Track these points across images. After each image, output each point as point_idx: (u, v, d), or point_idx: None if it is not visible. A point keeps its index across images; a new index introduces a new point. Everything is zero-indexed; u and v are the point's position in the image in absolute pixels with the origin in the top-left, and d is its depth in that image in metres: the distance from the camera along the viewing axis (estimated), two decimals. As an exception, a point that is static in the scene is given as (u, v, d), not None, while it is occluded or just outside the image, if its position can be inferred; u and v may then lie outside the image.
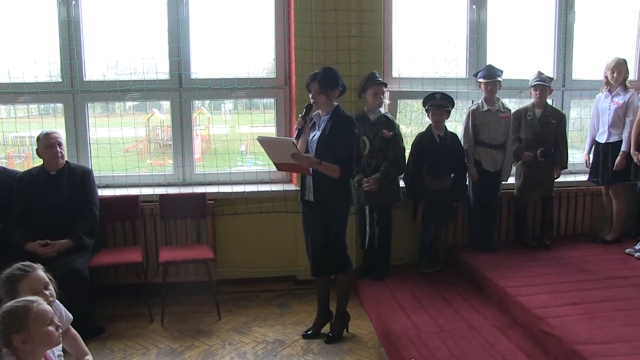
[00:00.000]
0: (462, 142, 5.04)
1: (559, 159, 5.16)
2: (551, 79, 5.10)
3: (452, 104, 4.86)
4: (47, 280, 2.65)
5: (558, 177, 5.25)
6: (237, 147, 5.33)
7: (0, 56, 4.87)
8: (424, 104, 4.87)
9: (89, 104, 5.02)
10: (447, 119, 4.88)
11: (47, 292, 2.61)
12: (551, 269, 4.64)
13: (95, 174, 4.73)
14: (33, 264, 2.66)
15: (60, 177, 4.31)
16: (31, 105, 5.10)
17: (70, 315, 2.85)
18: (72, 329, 2.87)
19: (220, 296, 4.70)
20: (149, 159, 7.19)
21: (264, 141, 3.75)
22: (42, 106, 5.22)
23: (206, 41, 5.05)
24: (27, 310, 2.20)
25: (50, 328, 2.24)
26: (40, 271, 2.65)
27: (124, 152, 5.21)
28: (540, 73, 5.03)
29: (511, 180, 5.26)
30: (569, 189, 5.56)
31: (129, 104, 5.41)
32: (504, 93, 5.25)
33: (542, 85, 4.99)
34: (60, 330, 2.32)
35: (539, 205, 5.36)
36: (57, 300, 2.74)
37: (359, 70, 4.87)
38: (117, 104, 5.41)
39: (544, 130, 5.07)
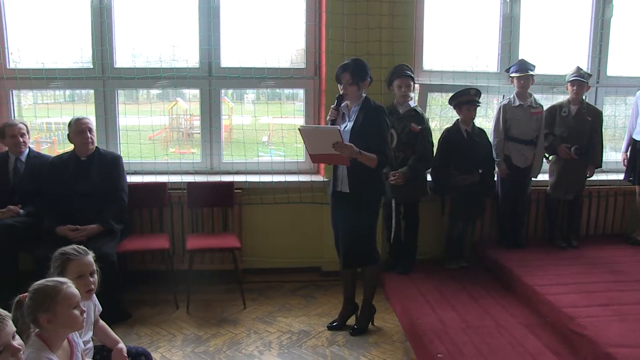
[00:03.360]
0: (492, 137, 4.98)
1: (593, 157, 5.05)
2: (589, 75, 5.00)
3: (479, 98, 4.81)
4: (95, 268, 2.71)
5: (591, 175, 5.15)
6: (259, 138, 5.32)
7: (34, 42, 4.91)
8: (454, 100, 4.79)
9: (118, 91, 5.06)
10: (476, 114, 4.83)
11: (91, 279, 2.67)
12: (581, 268, 4.56)
13: (126, 160, 4.76)
14: (88, 249, 2.73)
15: (91, 162, 4.35)
16: (62, 91, 5.15)
17: (100, 307, 2.88)
18: (101, 320, 2.90)
19: (245, 285, 4.71)
20: (171, 147, 7.22)
21: (306, 130, 3.74)
22: (74, 92, 5.25)
23: (236, 30, 5.05)
24: (57, 290, 2.22)
25: (75, 312, 2.26)
26: (91, 258, 2.72)
27: (147, 140, 5.23)
28: (578, 68, 4.93)
29: (541, 177, 5.18)
30: (600, 188, 5.46)
31: (153, 92, 5.43)
32: (536, 89, 5.15)
33: (580, 81, 4.88)
34: (84, 316, 2.33)
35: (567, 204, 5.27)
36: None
37: (389, 62, 4.83)
38: (141, 92, 5.42)
39: (579, 127, 4.97)
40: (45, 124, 6.65)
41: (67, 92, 5.22)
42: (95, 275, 2.69)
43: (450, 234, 5.01)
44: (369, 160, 3.65)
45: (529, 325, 3.81)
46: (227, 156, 5.23)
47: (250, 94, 6.04)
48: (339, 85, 3.78)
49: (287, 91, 5.29)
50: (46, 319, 2.19)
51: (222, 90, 5.17)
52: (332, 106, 3.76)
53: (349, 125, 3.77)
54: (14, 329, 2.00)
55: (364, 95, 3.81)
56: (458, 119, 4.84)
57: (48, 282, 2.25)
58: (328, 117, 3.74)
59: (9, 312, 2.08)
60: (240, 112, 5.75)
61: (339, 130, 3.57)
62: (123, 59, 5.00)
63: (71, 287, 2.28)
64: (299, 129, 3.71)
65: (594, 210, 5.49)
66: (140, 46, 5.01)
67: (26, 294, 2.22)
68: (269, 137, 6.84)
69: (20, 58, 4.99)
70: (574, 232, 5.23)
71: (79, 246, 2.70)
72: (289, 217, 5.08)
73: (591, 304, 3.80)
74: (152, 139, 5.62)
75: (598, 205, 5.50)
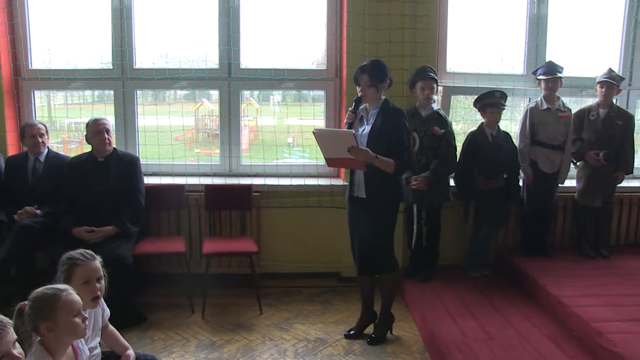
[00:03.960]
0: (517, 141, 4.83)
1: (623, 163, 4.86)
2: (622, 78, 4.81)
3: (505, 101, 4.67)
4: (102, 274, 2.66)
5: (621, 182, 4.95)
6: (285, 139, 5.24)
7: (54, 42, 4.93)
8: (478, 102, 4.67)
9: (140, 92, 5.05)
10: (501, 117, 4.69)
11: (97, 285, 2.61)
12: (610, 279, 4.38)
13: (144, 161, 4.75)
14: (95, 254, 2.68)
15: (108, 163, 4.33)
16: (85, 91, 5.16)
17: (108, 311, 2.83)
18: (110, 325, 2.85)
19: (262, 290, 4.64)
20: (197, 147, 7.22)
21: (320, 133, 3.63)
22: (96, 93, 5.25)
23: (256, 30, 4.99)
24: (56, 298, 2.17)
25: (77, 319, 2.20)
26: (99, 263, 2.66)
27: (173, 141, 5.19)
28: (610, 70, 4.75)
29: (568, 183, 5.01)
30: (631, 195, 5.25)
31: (180, 93, 5.41)
32: (564, 92, 4.99)
33: (610, 83, 4.70)
34: (87, 323, 2.27)
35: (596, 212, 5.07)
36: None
37: (411, 64, 4.72)
38: (168, 92, 5.40)
39: (608, 131, 4.79)
40: (74, 123, 6.71)
41: (96, 92, 5.21)
42: (103, 281, 2.64)
43: (473, 240, 4.87)
44: (386, 165, 3.54)
45: (554, 338, 3.66)
46: (249, 158, 5.18)
47: (276, 95, 5.98)
48: (357, 87, 3.68)
49: (313, 93, 5.20)
50: (46, 327, 2.13)
51: (248, 92, 5.11)
52: (350, 109, 3.66)
53: (367, 128, 3.66)
54: (15, 337, 1.95)
55: (383, 97, 3.70)
56: (483, 122, 4.70)
57: (47, 290, 2.19)
58: (345, 120, 3.64)
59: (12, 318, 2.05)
60: (266, 113, 5.69)
61: (354, 133, 3.47)
62: (143, 59, 4.98)
63: (72, 294, 2.22)
64: (313, 132, 3.61)
65: (625, 218, 5.29)
66: (159, 47, 4.98)
67: (27, 301, 2.17)
68: (294, 139, 6.79)
69: (50, 59, 5.01)
70: (603, 240, 5.04)
71: (86, 251, 2.65)
72: (308, 221, 4.99)
73: (622, 318, 3.62)
74: (178, 140, 5.60)
75: (629, 213, 5.29)
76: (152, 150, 5.00)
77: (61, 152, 4.95)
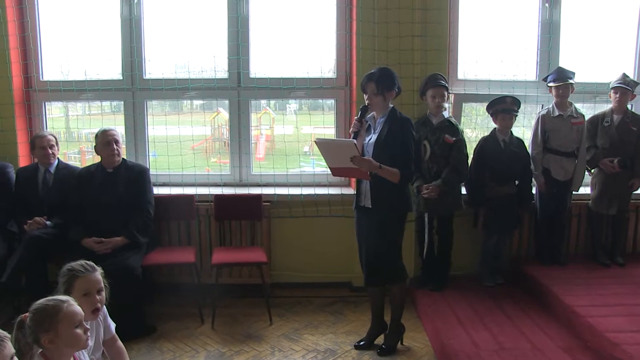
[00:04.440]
0: (530, 149, 4.76)
1: (638, 170, 4.76)
2: (636, 83, 4.72)
3: (519, 107, 4.60)
4: (103, 285, 2.67)
5: (636, 189, 4.85)
6: (301, 148, 5.23)
7: (65, 53, 4.96)
8: (490, 108, 4.62)
9: (156, 102, 5.06)
10: (513, 123, 4.62)
11: (98, 297, 2.61)
12: (626, 288, 4.27)
13: (155, 172, 4.75)
14: (96, 265, 2.69)
15: (117, 174, 4.33)
16: (103, 102, 5.19)
17: (113, 327, 2.82)
18: (119, 342, 2.85)
19: (272, 300, 4.61)
20: (213, 157, 7.23)
21: (322, 143, 3.60)
22: (114, 103, 5.26)
23: (266, 40, 4.99)
24: (57, 309, 2.16)
25: (78, 330, 2.19)
26: (99, 275, 2.67)
27: (189, 150, 5.20)
28: (625, 75, 4.66)
29: (582, 190, 4.92)
30: (647, 202, 5.14)
31: (196, 102, 5.42)
32: (577, 97, 4.91)
33: (624, 88, 4.62)
34: (88, 334, 2.26)
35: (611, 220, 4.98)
36: (105, 310, 2.76)
37: (422, 72, 4.68)
38: (185, 102, 5.42)
39: (622, 137, 4.70)
40: (92, 134, 6.77)
41: (114, 103, 5.22)
42: (103, 293, 2.63)
43: (484, 248, 4.81)
44: (391, 175, 3.50)
45: (568, 349, 3.57)
46: (259, 168, 5.18)
47: (292, 104, 5.97)
48: (364, 95, 3.65)
49: (329, 101, 5.17)
50: (47, 339, 2.12)
51: (264, 101, 5.10)
52: (355, 118, 3.62)
53: (373, 137, 3.62)
54: (13, 350, 1.94)
55: (390, 106, 3.66)
56: (495, 128, 4.65)
57: (49, 302, 2.19)
58: (351, 129, 3.61)
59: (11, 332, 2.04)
60: (282, 122, 5.67)
61: (355, 143, 3.44)
62: (153, 70, 5.00)
63: (73, 305, 2.21)
64: (314, 141, 3.59)
65: (641, 225, 5.18)
66: (169, 57, 4.99)
67: (27, 313, 2.16)
68: (311, 148, 6.77)
69: (61, 71, 5.06)
70: (618, 248, 4.94)
71: (87, 262, 2.65)
72: (318, 230, 4.96)
73: (638, 329, 3.53)
74: (195, 149, 5.61)
75: (645, 221, 5.18)
76: (170, 161, 5.00)
77: (78, 163, 4.97)
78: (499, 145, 4.61)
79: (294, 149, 5.12)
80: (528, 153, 4.73)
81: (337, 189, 4.99)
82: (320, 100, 5.32)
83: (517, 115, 4.61)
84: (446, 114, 4.54)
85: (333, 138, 4.83)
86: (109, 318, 2.81)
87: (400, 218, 3.70)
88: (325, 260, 5.00)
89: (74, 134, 6.12)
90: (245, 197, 4.81)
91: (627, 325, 3.58)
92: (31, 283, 4.19)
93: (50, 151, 4.44)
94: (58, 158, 4.56)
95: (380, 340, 3.98)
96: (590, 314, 3.75)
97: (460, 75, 5.07)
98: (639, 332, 3.48)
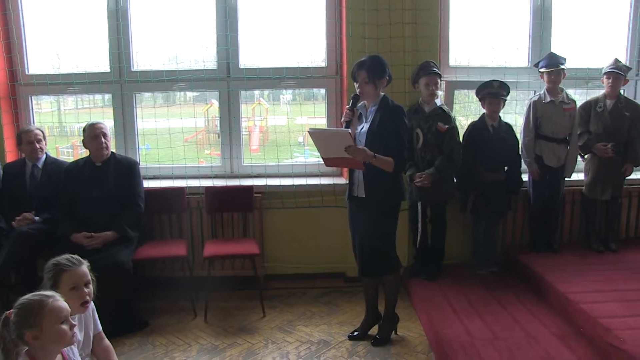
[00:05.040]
0: (522, 136, 4.74)
1: (632, 155, 4.74)
2: (629, 68, 4.70)
3: (508, 93, 4.57)
4: (90, 279, 2.64)
5: (629, 175, 4.83)
6: (295, 139, 5.18)
7: (51, 47, 4.89)
8: (478, 92, 4.60)
9: (147, 95, 5.01)
10: (502, 108, 4.60)
11: (85, 290, 2.58)
12: (619, 274, 4.27)
13: (147, 164, 4.70)
14: (82, 259, 2.65)
15: (106, 168, 4.28)
16: (95, 95, 5.12)
17: (100, 326, 2.80)
18: (106, 340, 2.82)
19: (266, 292, 4.59)
20: (207, 149, 7.18)
21: (316, 133, 3.54)
22: (106, 97, 5.19)
23: (255, 30, 4.92)
24: (42, 305, 2.12)
25: (64, 326, 2.15)
26: (86, 268, 2.64)
27: (180, 143, 5.15)
28: (616, 60, 4.63)
29: (575, 176, 4.90)
30: (640, 187, 5.13)
31: (189, 94, 5.36)
32: (569, 83, 4.89)
33: (617, 73, 4.59)
34: (75, 331, 2.22)
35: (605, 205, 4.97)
36: (92, 305, 2.72)
37: (413, 59, 4.63)
38: (178, 94, 5.36)
39: (615, 123, 4.67)
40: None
41: (107, 96, 5.14)
42: (91, 286, 2.60)
43: (474, 235, 4.80)
44: (385, 164, 3.46)
45: (563, 336, 3.57)
46: (252, 159, 5.12)
47: (286, 95, 5.92)
48: (355, 83, 3.60)
49: (322, 91, 5.12)
50: (32, 335, 2.09)
51: (257, 92, 5.05)
52: (347, 107, 3.57)
53: (365, 126, 3.58)
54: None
55: (382, 94, 3.62)
56: (484, 113, 4.62)
57: (33, 297, 2.15)
58: (342, 119, 3.56)
59: None
60: (277, 113, 5.63)
61: (349, 133, 3.39)
62: (141, 62, 4.93)
63: (59, 300, 2.17)
64: (308, 131, 3.54)
65: (634, 211, 5.16)
66: (157, 49, 4.92)
67: (12, 310, 2.13)
68: (305, 138, 6.73)
69: (48, 64, 4.98)
70: (612, 234, 4.93)
71: (72, 256, 2.62)
72: (311, 221, 4.92)
73: (631, 314, 3.52)
74: (188, 141, 5.56)
75: (639, 206, 5.17)
76: (160, 153, 4.95)
77: (71, 157, 4.91)
78: (487, 131, 4.59)
79: (288, 139, 5.07)
80: (517, 138, 4.70)
81: (329, 179, 4.95)
82: (314, 90, 5.27)
83: (505, 100, 4.58)
84: (438, 101, 4.50)
85: (326, 128, 4.78)
86: (96, 314, 2.77)
87: (394, 207, 3.67)
88: (318, 251, 4.97)
89: (66, 129, 6.07)
90: (237, 189, 4.76)
91: (620, 311, 3.57)
92: (20, 279, 4.15)
93: (37, 146, 4.38)
94: (46, 152, 4.50)
95: (374, 330, 3.97)
96: (584, 301, 3.74)
97: (451, 63, 5.02)
98: (632, 317, 3.47)
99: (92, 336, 2.72)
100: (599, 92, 4.83)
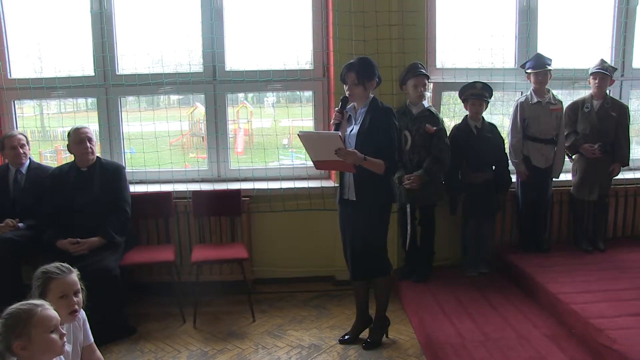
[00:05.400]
0: (509, 137, 4.75)
1: (619, 155, 4.77)
2: (614, 68, 4.73)
3: (491, 94, 4.58)
4: (79, 287, 2.59)
5: (617, 174, 4.86)
6: (280, 141, 5.14)
7: (34, 50, 4.81)
8: (461, 94, 4.62)
9: (131, 99, 4.97)
10: (485, 109, 4.61)
11: (75, 299, 2.53)
12: (608, 273, 4.29)
13: (133, 169, 4.66)
14: (72, 267, 2.61)
15: (91, 173, 4.22)
16: (78, 99, 5.05)
17: (91, 338, 2.75)
18: (98, 353, 2.77)
19: (255, 296, 4.56)
20: (192, 152, 7.13)
21: (306, 136, 3.50)
22: (89, 100, 5.11)
23: (241, 32, 4.88)
24: (30, 314, 2.07)
25: (53, 336, 2.10)
26: (76, 276, 2.59)
27: (166, 147, 5.08)
28: (602, 61, 4.67)
29: (563, 177, 4.92)
30: (627, 187, 5.15)
31: (173, 97, 5.30)
32: (556, 84, 4.91)
33: (603, 73, 4.61)
34: (65, 340, 2.17)
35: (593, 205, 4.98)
36: (83, 314, 2.68)
37: (400, 61, 4.62)
38: (162, 98, 5.30)
39: (602, 123, 4.70)
40: (67, 132, 6.64)
41: (90, 100, 5.06)
42: (80, 295, 2.54)
43: (463, 236, 4.81)
44: (376, 167, 3.44)
45: (554, 337, 3.57)
46: (237, 162, 5.09)
47: (270, 97, 5.88)
48: (344, 86, 3.58)
49: (307, 93, 5.09)
50: (20, 346, 2.03)
51: (241, 95, 5.00)
52: (336, 109, 3.55)
53: (355, 128, 3.55)
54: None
55: (371, 96, 3.60)
56: (467, 115, 4.63)
57: (22, 306, 2.09)
58: (332, 121, 3.54)
59: None
60: (260, 115, 5.59)
61: (339, 135, 3.37)
62: (126, 65, 4.87)
63: (48, 309, 2.12)
64: (298, 134, 3.50)
65: (622, 210, 5.19)
66: (142, 52, 4.85)
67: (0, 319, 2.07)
68: (290, 140, 6.69)
69: (31, 68, 4.90)
70: (600, 234, 4.95)
71: (62, 264, 2.57)
72: (299, 224, 4.89)
73: (621, 313, 3.53)
74: (173, 145, 5.49)
75: (626, 206, 5.20)
76: (146, 157, 4.89)
77: (55, 162, 4.83)
78: (471, 132, 4.60)
79: (273, 142, 5.04)
80: (502, 137, 4.72)
81: (317, 182, 4.92)
82: (298, 92, 5.24)
83: (488, 102, 4.59)
84: (426, 103, 4.50)
85: (316, 131, 4.75)
86: (87, 324, 2.72)
87: (385, 210, 3.65)
88: (307, 254, 4.94)
89: (49, 133, 5.98)
90: (224, 193, 4.71)
91: (610, 311, 3.58)
92: (4, 287, 4.06)
93: (21, 151, 4.31)
94: (30, 158, 4.43)
95: (365, 334, 3.94)
96: (574, 301, 3.75)
97: (438, 64, 5.02)
98: (621, 317, 3.48)
99: (81, 348, 2.66)
100: (585, 93, 4.85)
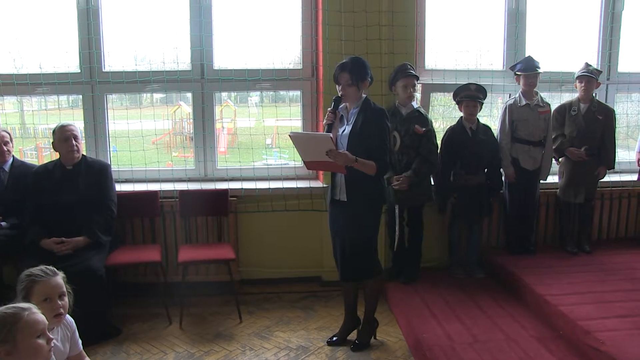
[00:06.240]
0: (498, 139, 4.75)
1: (605, 158, 4.81)
2: (599, 71, 4.77)
3: (485, 96, 4.58)
4: (65, 290, 2.54)
5: (603, 177, 4.91)
6: (263, 141, 5.11)
7: (18, 46, 4.72)
8: (455, 96, 4.61)
9: (115, 96, 4.89)
10: (479, 111, 4.61)
11: (60, 302, 2.48)
12: (594, 275, 4.33)
13: (116, 168, 4.60)
14: (57, 270, 2.56)
15: (77, 171, 4.14)
16: (60, 97, 4.96)
17: (80, 343, 2.70)
18: (87, 358, 2.69)
19: (242, 297, 4.52)
20: (174, 151, 7.05)
21: (297, 137, 3.48)
22: (71, 98, 5.04)
23: (230, 30, 4.84)
24: (16, 318, 2.02)
25: (40, 341, 2.05)
26: (61, 279, 2.54)
27: (150, 145, 5.02)
28: (587, 64, 4.71)
29: (550, 179, 4.95)
30: (612, 190, 5.20)
31: (156, 96, 5.23)
32: (544, 87, 4.95)
33: (589, 77, 4.65)
34: (52, 344, 2.12)
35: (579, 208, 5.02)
36: (73, 325, 2.64)
37: (390, 61, 4.61)
38: (145, 96, 5.23)
39: (589, 126, 4.73)
40: (49, 130, 6.53)
41: (72, 97, 4.98)
42: (66, 298, 2.49)
43: (451, 238, 4.81)
44: (367, 168, 3.42)
45: (542, 338, 3.58)
46: (225, 162, 5.04)
47: (254, 97, 5.83)
48: (337, 86, 3.55)
49: (291, 93, 5.06)
50: (5, 351, 1.98)
51: (225, 94, 4.95)
52: (329, 109, 3.52)
53: (347, 129, 3.53)
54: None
55: (363, 96, 3.58)
56: (461, 117, 4.63)
57: (7, 310, 2.04)
58: (325, 121, 3.51)
59: None
60: (244, 115, 5.54)
61: (331, 137, 3.34)
62: (113, 62, 4.79)
63: (35, 313, 2.07)
64: (289, 135, 3.48)
65: (607, 213, 5.25)
66: (129, 49, 4.79)
67: None
68: (273, 140, 6.65)
69: (14, 64, 4.78)
70: (585, 236, 4.99)
71: (47, 267, 2.51)
72: (287, 225, 4.86)
73: (608, 315, 3.56)
74: (155, 143, 5.42)
75: (611, 208, 5.25)
76: (132, 156, 4.82)
77: (35, 160, 4.74)
78: (466, 134, 4.60)
79: (257, 142, 5.00)
80: (496, 140, 4.73)
81: (305, 182, 4.89)
82: (283, 92, 5.21)
83: (482, 103, 4.60)
84: (415, 104, 4.49)
85: (307, 132, 4.72)
86: (77, 333, 2.66)
87: (376, 211, 3.63)
88: (295, 255, 4.91)
89: (29, 130, 5.87)
90: (211, 193, 4.66)
91: (596, 313, 3.61)
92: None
93: (4, 148, 4.22)
94: (13, 155, 4.34)
95: (353, 335, 3.92)
96: (562, 303, 3.77)
97: (428, 65, 5.02)
98: (608, 319, 3.51)
99: (67, 357, 2.60)
100: (570, 96, 4.90)
